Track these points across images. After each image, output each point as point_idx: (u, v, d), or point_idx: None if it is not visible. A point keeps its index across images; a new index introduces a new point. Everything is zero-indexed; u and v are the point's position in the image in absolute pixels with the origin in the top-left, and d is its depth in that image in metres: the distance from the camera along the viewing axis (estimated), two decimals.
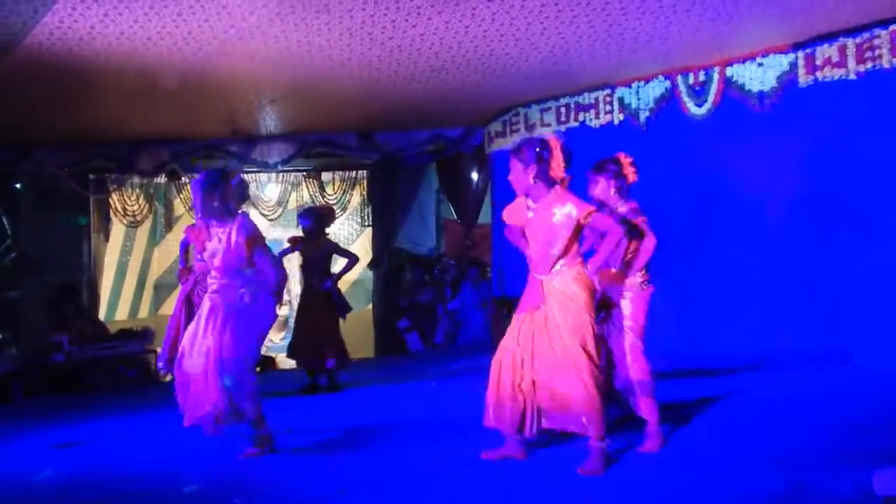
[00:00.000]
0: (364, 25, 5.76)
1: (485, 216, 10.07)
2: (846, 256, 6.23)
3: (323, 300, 6.52)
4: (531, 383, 3.81)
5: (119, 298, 12.36)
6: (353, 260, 6.69)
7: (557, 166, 3.83)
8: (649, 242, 4.04)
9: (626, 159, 4.22)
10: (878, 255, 6.05)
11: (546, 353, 3.78)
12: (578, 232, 3.81)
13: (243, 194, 4.57)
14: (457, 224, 10.82)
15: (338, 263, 6.71)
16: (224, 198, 4.29)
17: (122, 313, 12.29)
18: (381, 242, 10.81)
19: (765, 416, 4.65)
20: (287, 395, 6.34)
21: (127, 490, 3.83)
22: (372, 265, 10.89)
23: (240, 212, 4.41)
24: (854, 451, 3.69)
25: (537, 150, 3.81)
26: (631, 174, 4.20)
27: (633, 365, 4.03)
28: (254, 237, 4.33)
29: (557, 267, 3.81)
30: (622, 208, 4.14)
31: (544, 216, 3.83)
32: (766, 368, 6.03)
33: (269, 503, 3.42)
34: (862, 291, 6.11)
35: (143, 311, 12.89)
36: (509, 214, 4.06)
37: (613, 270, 4.05)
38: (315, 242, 6.58)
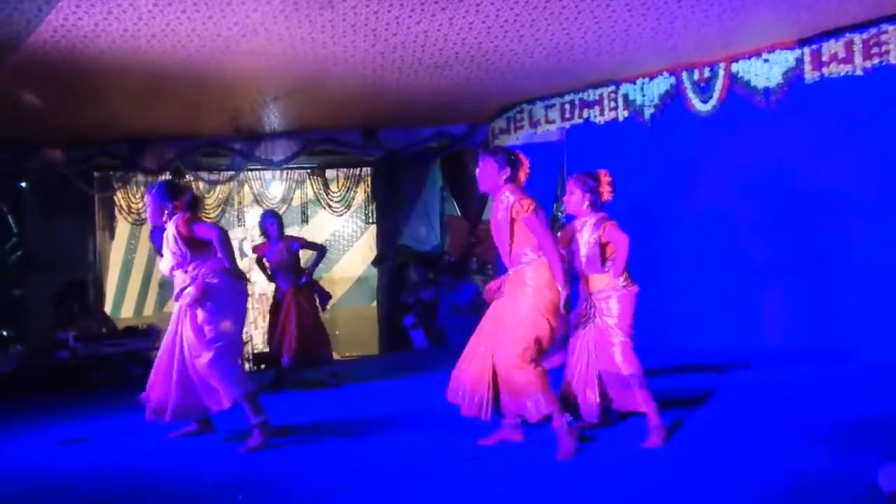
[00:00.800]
0: (367, 22, 5.76)
1: (489, 213, 10.05)
2: (852, 252, 6.21)
3: (302, 297, 6.57)
4: (492, 371, 4.01)
5: (124, 296, 12.39)
6: (321, 251, 6.77)
7: (524, 175, 4.15)
8: (623, 242, 4.20)
9: (605, 178, 4.41)
10: (885, 251, 6.02)
11: (498, 341, 3.98)
12: (514, 225, 3.99)
13: (195, 207, 4.80)
14: (461, 221, 10.80)
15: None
16: (174, 209, 4.60)
17: (127, 311, 12.31)
18: (385, 240, 10.81)
19: (769, 412, 4.63)
20: (287, 390, 6.35)
21: (131, 486, 3.84)
22: (376, 262, 10.89)
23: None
24: (859, 447, 3.67)
25: (511, 157, 4.12)
26: (606, 192, 4.39)
27: (624, 362, 4.18)
28: (187, 217, 4.56)
29: (521, 261, 4.02)
30: (591, 219, 4.33)
31: (497, 211, 4.10)
32: (771, 364, 6.01)
33: (272, 498, 3.42)
34: (868, 287, 6.09)
35: (149, 309, 12.91)
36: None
37: (598, 276, 4.27)
38: (282, 243, 6.62)
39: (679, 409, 4.64)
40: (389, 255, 10.67)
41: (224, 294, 4.53)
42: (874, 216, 6.11)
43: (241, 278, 4.70)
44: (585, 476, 3.60)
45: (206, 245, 4.60)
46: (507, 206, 4.01)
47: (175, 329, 4.58)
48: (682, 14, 5.82)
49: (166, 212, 4.61)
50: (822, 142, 6.38)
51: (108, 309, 10.95)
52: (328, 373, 6.62)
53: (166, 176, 10.29)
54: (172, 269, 4.62)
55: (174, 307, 4.69)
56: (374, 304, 11.18)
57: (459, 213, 10.70)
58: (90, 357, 8.22)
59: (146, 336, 9.01)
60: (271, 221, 6.70)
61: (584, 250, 4.30)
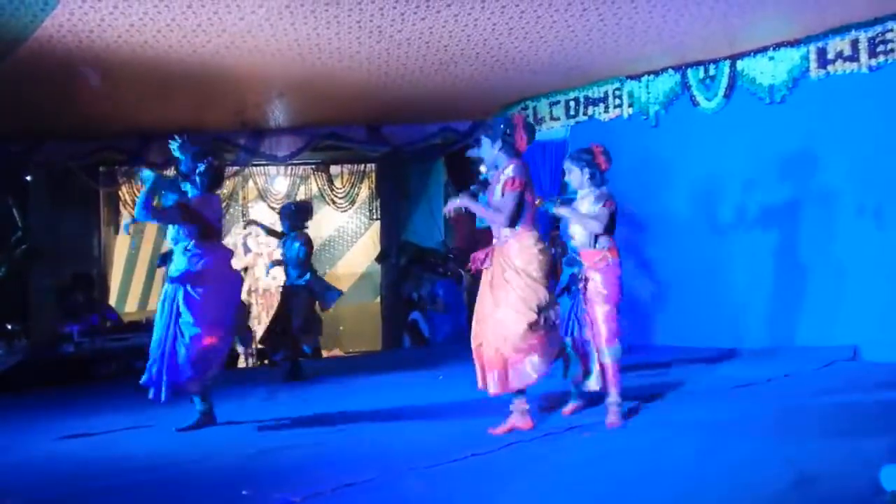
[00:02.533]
0: (373, 18, 5.76)
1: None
2: (857, 250, 6.20)
3: (302, 293, 6.72)
4: (480, 344, 4.19)
5: (129, 290, 12.41)
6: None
7: (521, 140, 4.24)
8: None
9: (597, 149, 4.54)
10: (890, 249, 6.01)
11: (487, 314, 4.16)
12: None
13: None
14: (465, 218, 10.79)
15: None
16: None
17: (131, 305, 12.33)
18: (389, 236, 10.82)
19: (773, 409, 4.63)
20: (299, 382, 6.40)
21: (136, 479, 3.85)
22: (380, 259, 10.90)
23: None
24: (862, 446, 3.67)
25: (501, 126, 4.25)
26: (603, 163, 4.51)
27: (605, 330, 4.33)
28: (180, 203, 4.73)
29: (505, 233, 4.22)
30: (593, 194, 4.48)
31: (495, 183, 4.29)
32: (774, 362, 6.01)
33: (277, 493, 3.43)
34: (872, 285, 6.08)
35: (153, 304, 12.92)
36: None
37: (591, 250, 4.42)
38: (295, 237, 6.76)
39: (683, 407, 4.64)
40: (393, 252, 10.68)
41: (212, 284, 4.72)
42: (880, 213, 6.10)
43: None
44: (589, 467, 3.61)
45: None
46: (504, 178, 4.19)
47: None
48: (688, 11, 5.81)
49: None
50: (828, 139, 6.37)
51: (112, 303, 11.00)
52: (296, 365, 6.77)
53: (171, 171, 10.31)
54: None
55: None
56: (378, 300, 11.20)
57: (464, 210, 10.70)
58: (95, 351, 8.26)
59: (149, 330, 9.04)
60: (283, 215, 6.86)
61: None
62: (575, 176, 4.51)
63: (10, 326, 8.63)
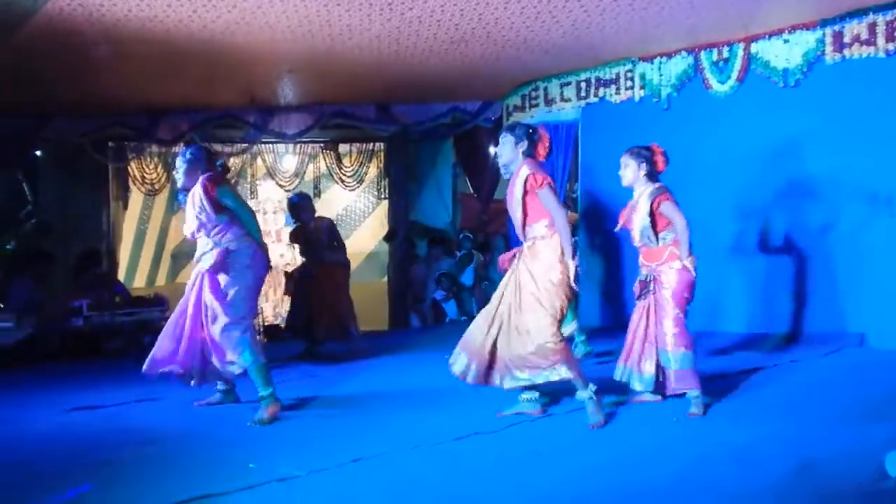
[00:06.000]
0: None
1: (501, 191, 10.03)
2: (868, 236, 6.15)
3: (336, 273, 6.74)
4: (494, 343, 4.14)
5: (137, 266, 12.46)
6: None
7: (543, 150, 4.25)
8: (680, 224, 4.29)
9: (658, 149, 4.45)
10: None
11: (511, 315, 4.10)
12: (527, 199, 4.11)
13: (225, 173, 4.93)
14: (473, 199, 10.78)
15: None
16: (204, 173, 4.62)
17: (139, 281, 12.40)
18: (397, 215, 10.81)
19: (779, 396, 4.63)
20: (313, 362, 6.44)
21: (144, 452, 3.88)
22: (387, 238, 10.90)
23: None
24: (868, 432, 3.67)
25: (530, 131, 4.22)
26: (660, 162, 4.43)
27: (674, 337, 4.34)
28: (211, 180, 4.53)
29: (534, 236, 4.13)
30: (648, 189, 4.37)
31: (513, 185, 4.20)
32: (781, 349, 6.00)
33: (283, 468, 3.45)
34: (883, 272, 6.03)
35: (161, 280, 13.00)
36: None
37: (654, 249, 4.36)
38: (314, 224, 6.80)
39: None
40: (401, 231, 10.67)
41: (245, 261, 4.52)
42: (892, 201, 6.04)
43: (264, 247, 4.69)
44: (591, 448, 3.62)
45: (231, 210, 4.57)
46: (522, 179, 4.10)
47: (191, 294, 4.53)
48: None
49: (200, 174, 4.59)
50: (843, 124, 6.30)
51: (120, 279, 11.04)
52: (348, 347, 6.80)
53: (180, 147, 10.32)
54: (194, 232, 4.59)
55: (191, 273, 4.68)
56: (385, 279, 11.21)
57: (472, 191, 10.68)
58: (103, 325, 8.30)
59: (156, 305, 9.08)
60: (295, 213, 6.93)
61: (637, 222, 4.37)
62: (631, 171, 4.41)
63: None
